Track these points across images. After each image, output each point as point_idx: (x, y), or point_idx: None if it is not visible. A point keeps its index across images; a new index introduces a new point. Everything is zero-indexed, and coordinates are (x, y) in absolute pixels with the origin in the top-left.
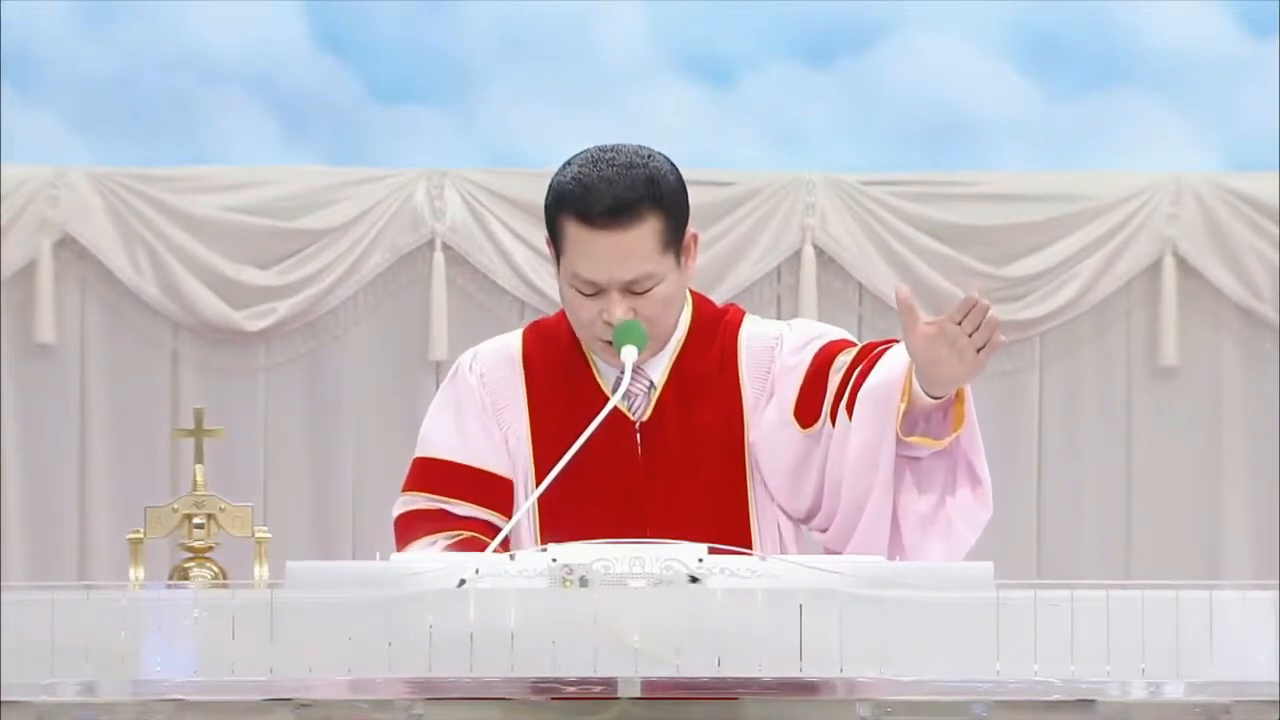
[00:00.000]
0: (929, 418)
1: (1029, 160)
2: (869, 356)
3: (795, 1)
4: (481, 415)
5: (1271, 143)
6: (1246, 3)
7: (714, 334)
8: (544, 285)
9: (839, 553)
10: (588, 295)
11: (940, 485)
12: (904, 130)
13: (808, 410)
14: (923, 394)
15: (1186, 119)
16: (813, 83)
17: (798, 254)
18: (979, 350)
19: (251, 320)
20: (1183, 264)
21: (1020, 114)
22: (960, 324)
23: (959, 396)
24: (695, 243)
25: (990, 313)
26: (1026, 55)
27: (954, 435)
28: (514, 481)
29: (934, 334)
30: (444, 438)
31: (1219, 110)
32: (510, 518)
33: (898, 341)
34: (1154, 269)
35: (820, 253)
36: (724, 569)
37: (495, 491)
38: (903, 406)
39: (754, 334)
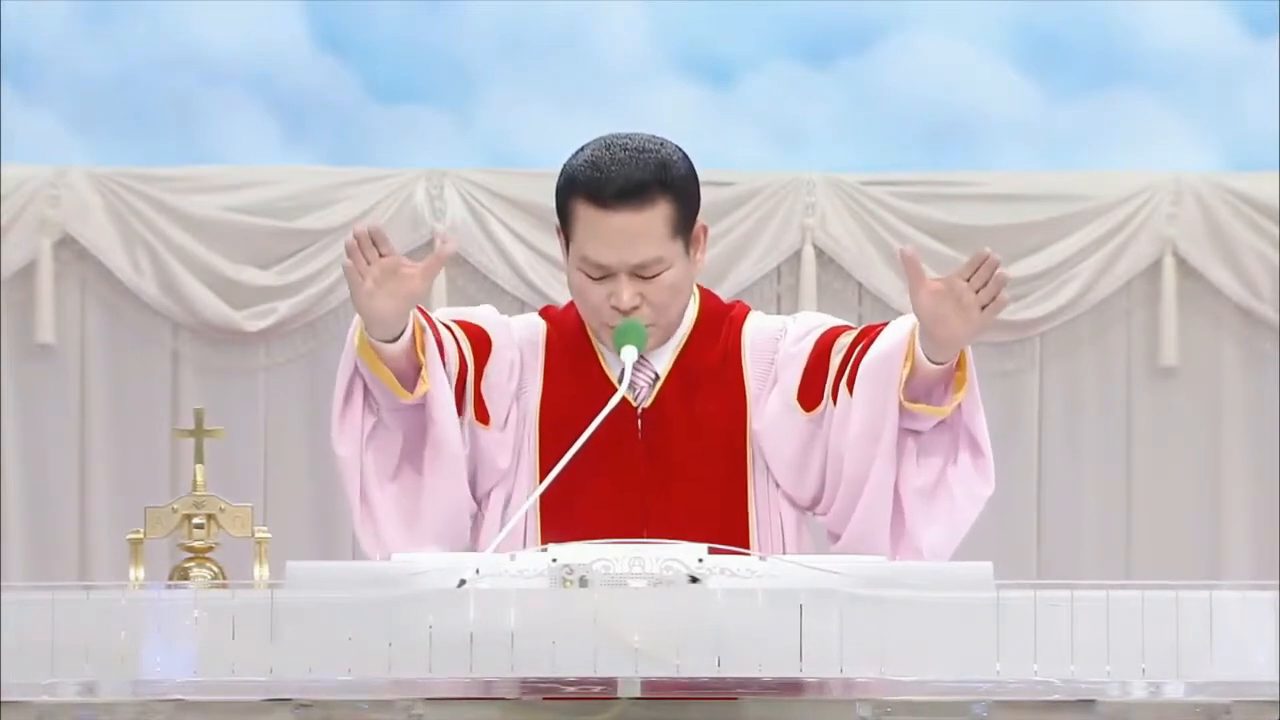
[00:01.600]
0: (930, 392)
1: (1029, 160)
2: (869, 336)
3: (795, 1)
4: (508, 343)
5: (1271, 143)
6: (1246, 3)
7: (719, 328)
8: (544, 285)
9: (840, 534)
10: (596, 279)
11: (943, 456)
12: (904, 130)
13: (810, 393)
14: (925, 361)
15: (1186, 119)
16: (813, 83)
17: (798, 254)
18: (983, 308)
19: (251, 320)
20: (1183, 264)
21: (1020, 114)
22: (969, 280)
23: (960, 364)
24: (705, 235)
25: (999, 271)
26: (1026, 55)
27: (956, 401)
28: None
29: (941, 290)
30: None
31: (1219, 110)
32: (451, 358)
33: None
34: (1154, 269)
35: (820, 253)
36: (724, 569)
37: (472, 333)
38: (905, 372)
39: (758, 328)
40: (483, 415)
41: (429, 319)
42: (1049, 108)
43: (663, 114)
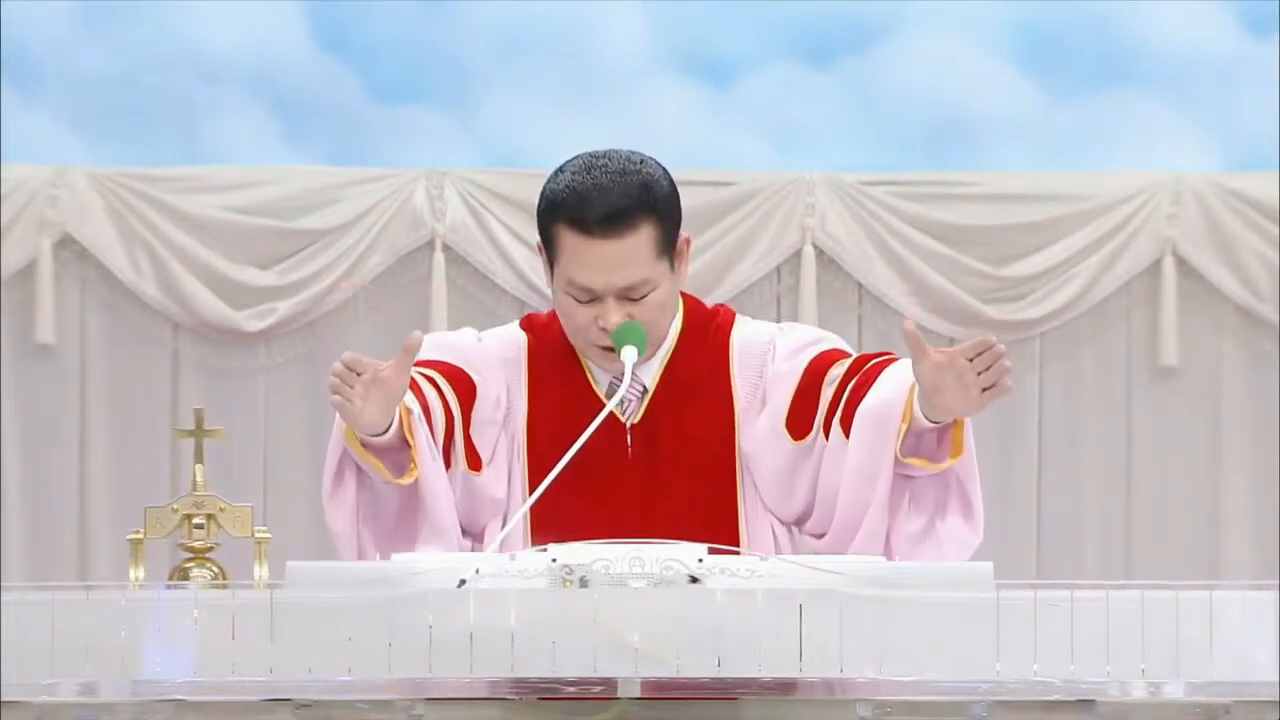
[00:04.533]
0: (921, 437)
1: (1029, 160)
2: (863, 370)
3: (795, 1)
4: (492, 378)
5: (1271, 143)
6: (1246, 3)
7: (705, 336)
8: (543, 285)
9: None
10: (583, 302)
11: (932, 505)
12: (904, 130)
13: (799, 422)
14: (923, 419)
15: (1186, 119)
16: (813, 83)
17: (798, 254)
18: (985, 390)
19: (251, 320)
20: (1183, 264)
21: (1020, 114)
22: (971, 360)
23: (957, 423)
24: (688, 247)
25: (1003, 360)
26: (1026, 55)
27: (951, 462)
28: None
29: (944, 364)
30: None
31: (1219, 110)
32: (455, 401)
33: (891, 355)
34: (1154, 269)
35: (820, 253)
36: (724, 569)
37: (455, 379)
38: (904, 428)
39: (746, 337)
40: (475, 462)
41: (412, 383)
42: (1049, 108)
43: (662, 114)
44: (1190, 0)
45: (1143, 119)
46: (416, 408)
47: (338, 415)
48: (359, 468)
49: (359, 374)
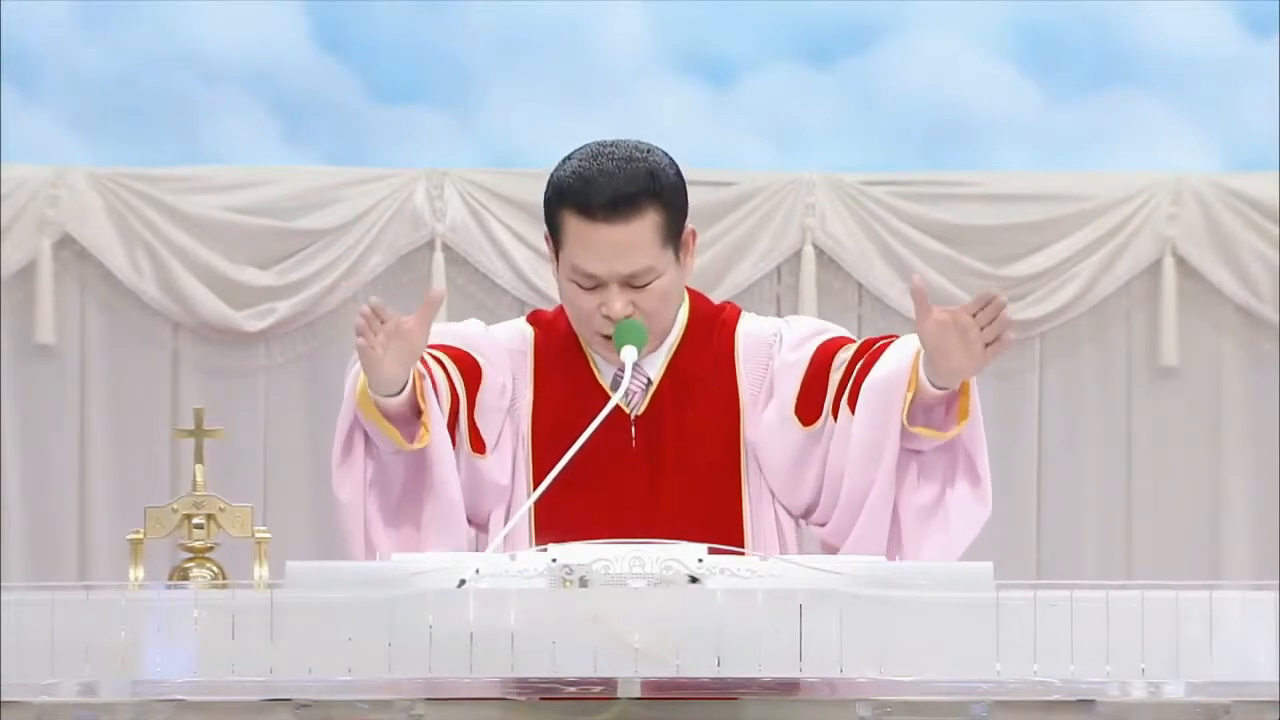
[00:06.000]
0: (930, 410)
1: (1029, 160)
2: (870, 351)
3: (795, 1)
4: (499, 366)
5: (1271, 143)
6: (1246, 3)
7: (710, 331)
8: (544, 285)
9: (838, 547)
10: (587, 289)
11: (940, 478)
12: (904, 130)
13: (809, 408)
14: (928, 385)
15: (1186, 119)
16: (813, 83)
17: (798, 254)
18: (987, 346)
19: (251, 320)
20: (1183, 264)
21: (1020, 114)
22: (975, 316)
23: (964, 390)
24: (694, 239)
25: (1004, 312)
26: (1026, 55)
27: (959, 428)
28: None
29: (947, 322)
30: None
31: (1219, 110)
32: (463, 381)
33: (898, 337)
34: (1154, 269)
35: (820, 253)
36: (724, 569)
37: (462, 362)
38: (909, 395)
39: (750, 331)
40: (478, 445)
41: (421, 358)
42: (1049, 108)
43: (663, 114)
44: (1190, 0)
45: (1142, 119)
46: (428, 378)
47: (347, 386)
48: (366, 441)
49: (382, 321)
